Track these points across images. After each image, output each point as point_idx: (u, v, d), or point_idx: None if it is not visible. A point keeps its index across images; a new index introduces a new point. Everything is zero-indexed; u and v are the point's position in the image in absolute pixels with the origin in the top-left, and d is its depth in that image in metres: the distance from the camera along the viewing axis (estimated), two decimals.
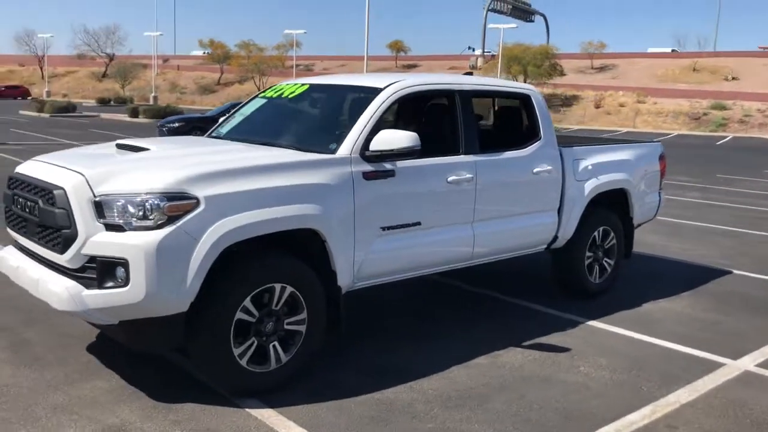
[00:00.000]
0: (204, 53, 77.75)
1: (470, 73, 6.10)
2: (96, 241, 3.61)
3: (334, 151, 4.35)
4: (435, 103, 5.43)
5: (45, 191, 3.83)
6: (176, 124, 21.45)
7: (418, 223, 4.71)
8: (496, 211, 5.25)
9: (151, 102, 52.85)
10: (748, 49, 68.19)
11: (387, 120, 4.79)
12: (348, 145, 4.37)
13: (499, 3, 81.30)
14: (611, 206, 6.40)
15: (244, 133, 5.09)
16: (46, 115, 38.28)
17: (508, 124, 6.03)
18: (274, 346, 4.06)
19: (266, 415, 3.82)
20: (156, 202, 3.58)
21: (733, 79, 56.01)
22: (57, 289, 3.68)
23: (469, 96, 5.13)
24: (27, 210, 4.00)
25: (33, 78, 79.11)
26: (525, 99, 5.68)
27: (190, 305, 3.71)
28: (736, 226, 10.72)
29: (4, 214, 4.40)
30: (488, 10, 78.57)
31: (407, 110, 5.30)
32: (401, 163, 4.53)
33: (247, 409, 3.87)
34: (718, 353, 5.03)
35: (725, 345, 5.22)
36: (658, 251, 8.52)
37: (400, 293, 6.22)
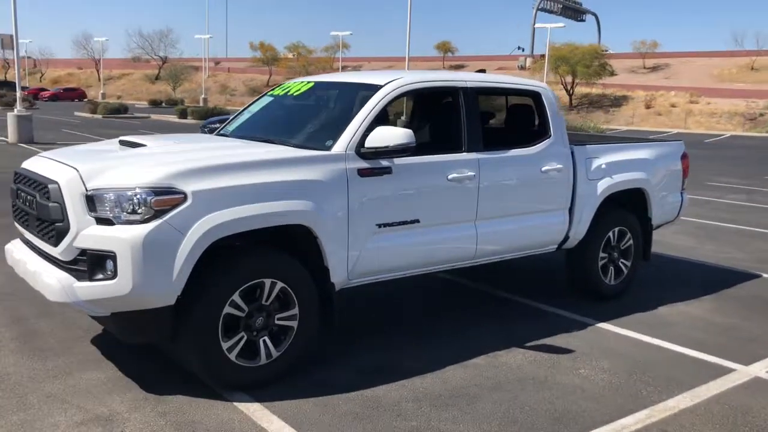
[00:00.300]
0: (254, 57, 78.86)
1: (483, 71, 6.02)
2: (86, 234, 3.69)
3: (329, 148, 4.36)
4: (437, 101, 5.40)
5: (41, 185, 3.94)
6: (217, 124, 21.80)
7: (417, 221, 4.68)
8: (500, 210, 5.17)
9: (201, 104, 53.87)
10: None
11: (387, 117, 4.76)
12: (343, 142, 4.37)
13: (548, 2, 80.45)
14: (628, 206, 6.25)
15: (247, 131, 5.15)
16: (99, 116, 39.41)
17: (517, 121, 5.94)
18: (264, 341, 4.09)
19: (252, 409, 3.85)
20: (143, 196, 3.64)
21: None
22: (50, 281, 3.78)
23: (473, 93, 5.07)
24: (27, 204, 4.13)
25: (90, 80, 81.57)
26: (535, 96, 5.59)
27: (180, 298, 3.76)
28: None
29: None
30: (537, 9, 77.84)
31: (408, 107, 5.27)
32: (399, 161, 4.50)
33: (234, 403, 3.91)
34: (729, 358, 4.86)
35: (739, 350, 5.04)
36: (687, 253, 8.28)
37: (404, 290, 6.21)
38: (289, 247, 4.22)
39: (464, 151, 4.93)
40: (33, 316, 5.15)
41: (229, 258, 3.93)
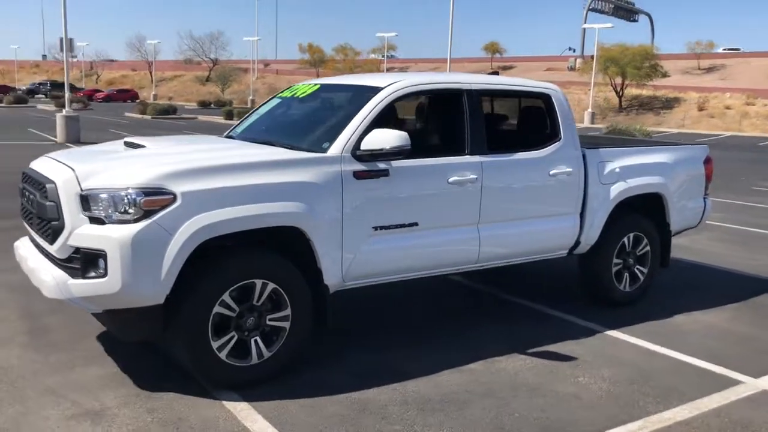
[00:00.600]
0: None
1: (496, 73, 5.96)
2: (80, 233, 3.78)
3: (325, 150, 4.38)
4: (438, 103, 5.36)
5: (41, 185, 4.06)
6: None
7: (415, 224, 4.66)
8: (505, 214, 5.11)
9: (249, 105, 54.70)
10: None
11: (392, 119, 4.75)
12: (339, 145, 4.38)
13: (600, 2, 79.10)
14: (645, 211, 6.10)
15: (252, 132, 5.21)
16: (148, 117, 40.33)
17: (526, 124, 5.86)
18: (255, 341, 4.12)
19: (239, 408, 3.89)
20: (133, 196, 3.72)
21: None
22: (46, 278, 3.90)
23: (477, 95, 5.02)
24: (30, 203, 4.26)
25: (143, 82, 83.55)
26: (545, 99, 5.50)
27: (170, 297, 3.83)
28: None
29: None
30: (588, 9, 76.60)
31: (409, 110, 5.25)
32: (396, 163, 4.49)
33: (222, 401, 3.96)
34: (739, 370, 4.69)
35: (751, 362, 4.87)
36: (717, 260, 8.03)
37: (409, 291, 6.18)
38: (282, 249, 4.25)
39: (467, 154, 4.89)
40: (45, 312, 5.30)
41: (219, 258, 3.98)
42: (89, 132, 24.35)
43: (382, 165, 4.45)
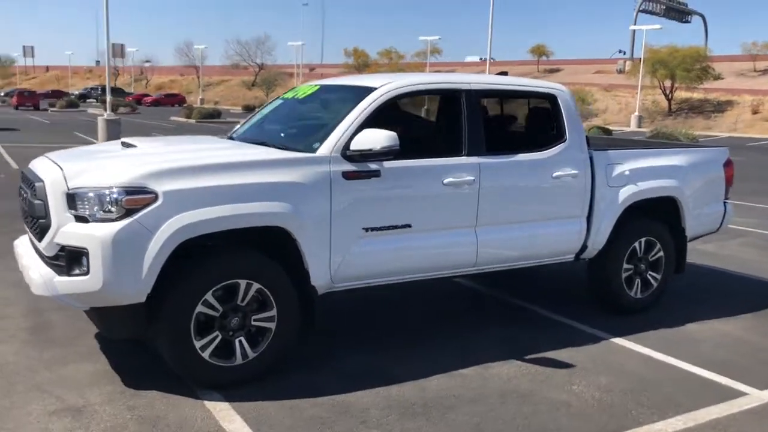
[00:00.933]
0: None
1: (505, 73, 5.85)
2: (65, 231, 3.83)
3: (315, 150, 4.35)
4: (435, 103, 5.28)
5: (31, 183, 4.13)
6: None
7: (408, 225, 4.59)
8: (505, 216, 5.00)
9: None
10: None
11: (383, 120, 4.71)
12: (329, 145, 4.35)
13: (651, 3, 77.45)
14: (659, 215, 5.90)
15: (249, 133, 5.23)
16: (193, 121, 41.08)
17: (531, 125, 5.73)
18: (240, 341, 4.11)
19: (218, 408, 3.88)
20: (115, 195, 3.75)
21: None
22: (34, 275, 3.96)
23: (476, 96, 4.93)
24: (24, 201, 4.34)
25: (191, 87, 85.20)
26: (550, 99, 5.37)
27: (153, 296, 3.85)
28: None
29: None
30: (639, 11, 75.09)
31: (404, 110, 5.18)
32: (388, 164, 4.44)
33: (204, 401, 3.96)
34: (745, 381, 4.49)
35: (760, 373, 4.65)
36: (742, 267, 7.73)
37: (411, 293, 6.10)
38: (270, 249, 4.23)
39: (464, 155, 4.80)
40: (49, 309, 5.39)
41: (202, 258, 3.98)
42: (131, 135, 24.88)
43: (373, 166, 4.40)
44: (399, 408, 3.97)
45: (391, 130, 4.41)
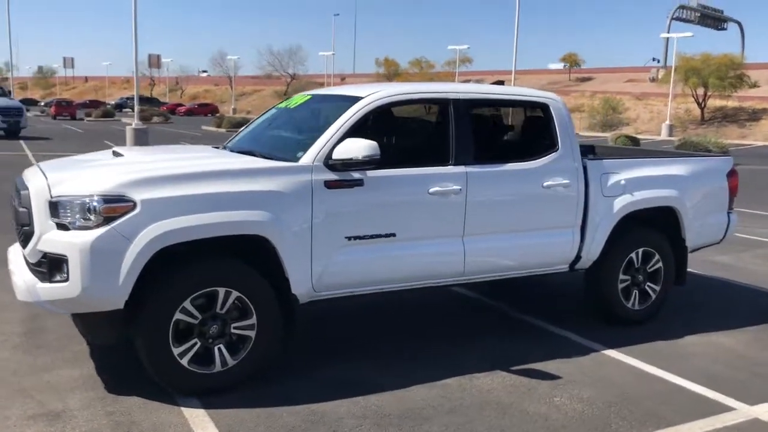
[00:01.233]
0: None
1: (501, 82, 5.83)
2: (47, 238, 3.91)
3: (298, 159, 4.38)
4: (423, 113, 5.28)
5: (18, 191, 4.23)
6: None
7: (393, 234, 4.59)
8: (493, 226, 4.96)
9: None
10: None
11: (369, 130, 4.72)
12: (312, 154, 4.38)
13: (685, 11, 76.33)
14: (658, 226, 5.80)
15: (242, 143, 5.28)
16: (223, 130, 41.52)
17: (523, 134, 5.69)
18: (219, 348, 4.14)
19: (194, 415, 3.91)
20: (94, 203, 3.82)
21: None
22: (18, 281, 4.05)
23: (465, 105, 4.91)
24: (12, 209, 4.44)
25: (224, 97, 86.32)
26: (543, 108, 5.33)
27: (131, 303, 3.90)
28: None
29: None
30: (672, 18, 74.07)
31: (389, 120, 5.17)
32: (372, 173, 4.45)
33: (181, 408, 3.99)
34: (735, 396, 4.38)
35: (753, 389, 4.53)
36: (754, 279, 7.54)
37: (404, 301, 6.07)
38: (252, 258, 4.26)
39: (451, 164, 4.78)
40: (46, 314, 5.47)
41: (180, 266, 4.02)
42: (159, 144, 25.32)
43: (356, 175, 4.41)
44: (374, 418, 3.95)
45: (377, 139, 4.44)
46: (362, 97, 4.66)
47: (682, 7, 74.17)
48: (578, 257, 5.40)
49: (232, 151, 5.10)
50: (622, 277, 5.61)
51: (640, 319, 5.74)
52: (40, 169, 4.36)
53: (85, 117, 54.94)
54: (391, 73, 74.64)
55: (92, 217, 3.82)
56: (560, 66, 78.56)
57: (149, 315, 3.93)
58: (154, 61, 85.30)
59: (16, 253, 4.59)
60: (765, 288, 7.23)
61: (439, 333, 5.46)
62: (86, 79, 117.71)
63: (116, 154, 4.79)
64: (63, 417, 3.84)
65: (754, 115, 49.79)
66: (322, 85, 72.97)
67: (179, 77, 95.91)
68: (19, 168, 5.41)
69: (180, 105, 72.80)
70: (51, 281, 3.90)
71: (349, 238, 4.45)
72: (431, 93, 5.00)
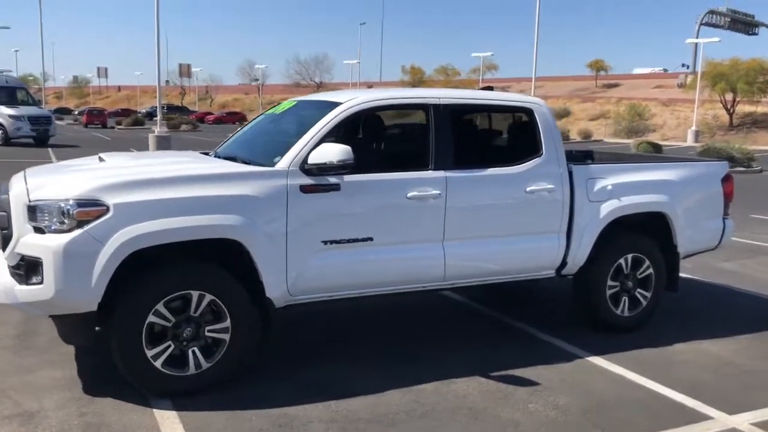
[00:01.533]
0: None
1: (490, 88, 5.82)
2: (24, 241, 4.00)
3: (274, 164, 4.43)
4: (402, 118, 5.29)
5: (1, 196, 4.34)
6: None
7: (370, 239, 4.61)
8: (474, 231, 4.95)
9: None
10: None
11: (348, 135, 4.75)
12: (288, 159, 4.42)
13: (714, 16, 75.30)
14: (649, 232, 5.73)
15: (228, 148, 5.36)
16: None
17: (507, 139, 5.67)
18: (193, 351, 4.19)
19: (165, 416, 3.96)
20: (68, 207, 3.90)
21: None
22: None
23: (446, 110, 4.92)
24: None
25: (253, 105, 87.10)
26: (527, 113, 5.31)
27: (105, 305, 3.97)
28: None
29: None
30: (701, 24, 73.08)
31: (369, 125, 5.19)
32: (348, 178, 4.48)
33: (154, 409, 4.04)
34: (715, 405, 4.31)
35: (734, 397, 4.45)
36: (758, 287, 7.39)
37: (388, 306, 6.09)
38: (227, 261, 4.30)
39: (430, 169, 4.79)
40: (40, 317, 5.60)
41: (153, 268, 4.09)
42: (182, 149, 25.64)
43: (332, 179, 4.44)
44: (343, 422, 3.97)
45: (356, 144, 4.47)
46: (341, 103, 4.70)
47: (712, 12, 73.17)
48: (564, 263, 5.36)
49: (217, 156, 5.17)
50: (610, 283, 5.55)
51: (629, 325, 5.67)
52: (24, 175, 4.46)
53: (116, 125, 55.86)
54: (416, 80, 74.72)
55: (66, 221, 3.91)
56: (647, 70, 77.56)
57: (122, 317, 4.00)
58: (185, 71, 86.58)
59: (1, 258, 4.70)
60: (765, 294, 7.09)
61: (424, 337, 5.46)
62: (119, 88, 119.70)
63: (101, 159, 4.88)
64: (37, 417, 3.92)
65: None
66: None
67: (209, 86, 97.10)
68: None
69: (209, 113, 73.74)
70: (27, 283, 3.99)
71: (326, 242, 4.48)
72: (410, 99, 5.02)
